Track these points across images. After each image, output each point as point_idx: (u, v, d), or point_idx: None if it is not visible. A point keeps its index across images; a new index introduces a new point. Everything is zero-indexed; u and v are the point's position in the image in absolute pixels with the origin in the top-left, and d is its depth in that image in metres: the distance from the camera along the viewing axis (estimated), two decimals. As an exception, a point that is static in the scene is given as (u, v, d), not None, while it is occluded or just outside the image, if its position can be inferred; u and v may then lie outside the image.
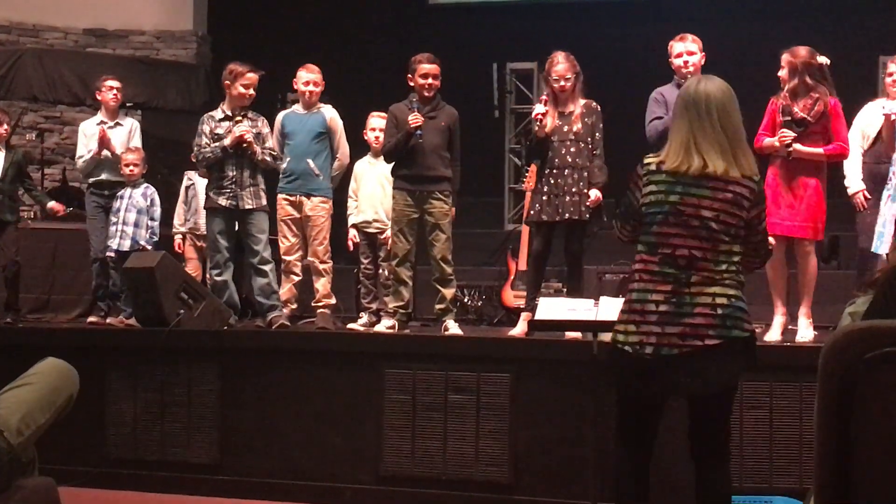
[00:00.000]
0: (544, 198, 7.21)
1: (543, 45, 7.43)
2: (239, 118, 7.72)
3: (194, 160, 8.11)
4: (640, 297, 4.41)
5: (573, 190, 7.15)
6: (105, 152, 8.76)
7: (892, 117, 7.04)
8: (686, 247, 4.35)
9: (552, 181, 7.19)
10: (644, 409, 4.56)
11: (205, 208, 8.08)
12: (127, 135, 8.99)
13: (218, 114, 7.88)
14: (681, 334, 4.31)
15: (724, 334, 4.31)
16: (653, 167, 4.44)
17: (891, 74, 7.56)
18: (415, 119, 7.36)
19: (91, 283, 8.87)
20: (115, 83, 9.06)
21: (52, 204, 9.05)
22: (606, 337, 4.85)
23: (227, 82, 7.83)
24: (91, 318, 8.69)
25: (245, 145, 7.64)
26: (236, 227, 7.96)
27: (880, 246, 6.89)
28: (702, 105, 4.42)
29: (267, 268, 7.79)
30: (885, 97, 7.65)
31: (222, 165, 7.74)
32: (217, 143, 7.70)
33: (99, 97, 9.12)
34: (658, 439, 4.61)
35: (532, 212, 7.32)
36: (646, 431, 4.57)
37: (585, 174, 7.18)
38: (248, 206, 7.74)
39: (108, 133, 8.84)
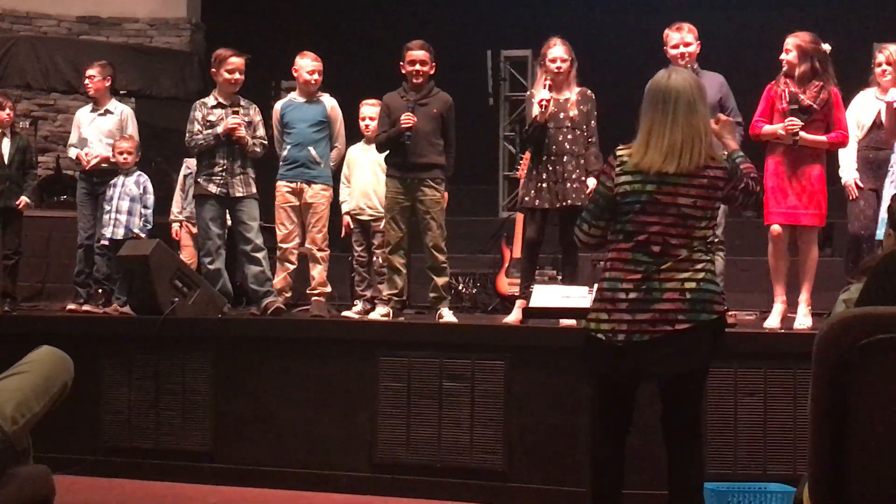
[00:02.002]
0: (542, 185, 7.17)
1: (538, 33, 7.43)
2: (235, 109, 7.71)
3: (187, 146, 8.08)
4: (611, 286, 4.53)
5: (573, 176, 7.12)
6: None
7: (895, 105, 7.03)
8: (662, 234, 4.47)
9: (550, 168, 7.16)
10: (619, 395, 4.66)
11: (195, 195, 8.07)
12: (116, 123, 8.89)
13: (210, 101, 7.87)
14: (651, 321, 4.43)
15: (694, 318, 4.43)
16: (626, 159, 4.55)
17: (879, 65, 7.59)
18: (406, 119, 7.35)
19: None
20: (92, 70, 8.93)
21: (23, 202, 8.88)
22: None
23: (213, 69, 7.84)
24: (70, 306, 8.63)
25: (235, 138, 7.64)
26: (227, 216, 7.98)
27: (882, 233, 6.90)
28: (670, 101, 4.51)
29: (259, 255, 7.78)
30: (876, 87, 7.66)
31: (213, 153, 7.75)
32: (210, 131, 7.70)
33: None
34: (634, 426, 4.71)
35: (527, 198, 7.27)
36: (621, 419, 4.67)
37: (582, 161, 7.16)
38: (238, 194, 7.75)
39: (94, 123, 8.82)
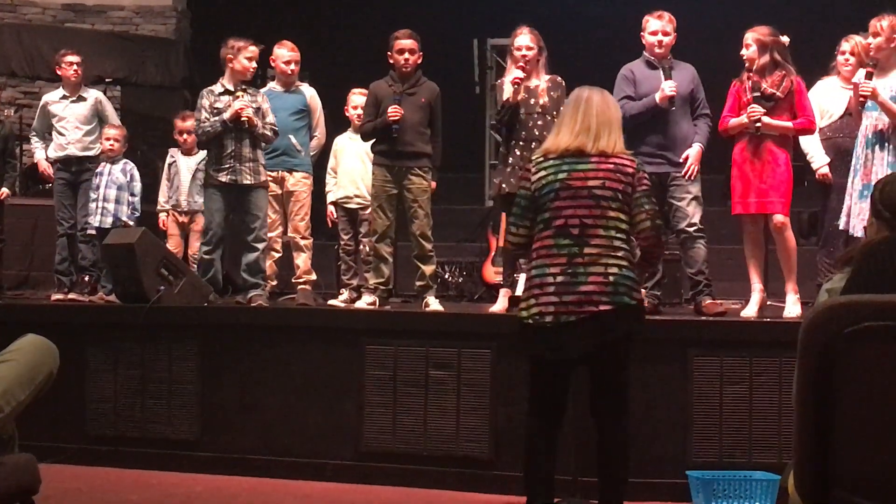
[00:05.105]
0: (515, 171, 7.17)
1: (524, 22, 7.41)
2: (239, 93, 7.65)
3: (195, 136, 8.02)
4: (538, 273, 4.90)
5: None
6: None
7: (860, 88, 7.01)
8: (577, 216, 4.86)
9: (518, 153, 7.16)
10: (552, 377, 5.00)
11: (204, 185, 7.99)
12: (90, 108, 8.87)
13: (217, 88, 7.76)
14: (577, 302, 4.79)
15: (616, 300, 4.80)
16: (540, 158, 5.03)
17: (843, 53, 7.62)
18: (394, 112, 7.34)
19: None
20: (75, 58, 8.92)
21: (4, 193, 8.84)
22: None
23: (230, 56, 7.71)
24: (55, 297, 8.58)
25: (244, 119, 7.58)
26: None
27: (857, 224, 6.88)
28: (582, 100, 5.04)
29: (260, 245, 7.71)
30: (837, 75, 7.68)
31: (222, 140, 7.63)
32: (217, 118, 7.62)
33: (59, 72, 9.02)
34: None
35: (504, 186, 7.24)
36: (555, 401, 5.01)
37: None
38: (247, 182, 7.64)
39: (68, 109, 8.80)
